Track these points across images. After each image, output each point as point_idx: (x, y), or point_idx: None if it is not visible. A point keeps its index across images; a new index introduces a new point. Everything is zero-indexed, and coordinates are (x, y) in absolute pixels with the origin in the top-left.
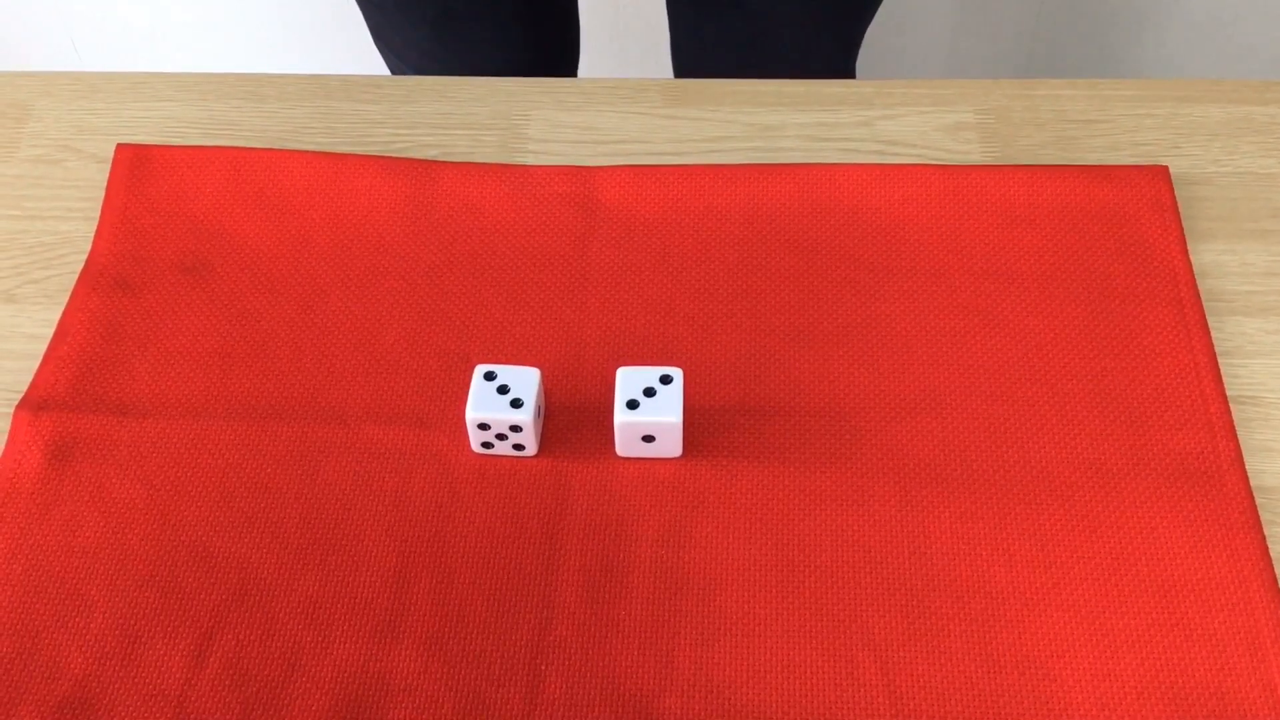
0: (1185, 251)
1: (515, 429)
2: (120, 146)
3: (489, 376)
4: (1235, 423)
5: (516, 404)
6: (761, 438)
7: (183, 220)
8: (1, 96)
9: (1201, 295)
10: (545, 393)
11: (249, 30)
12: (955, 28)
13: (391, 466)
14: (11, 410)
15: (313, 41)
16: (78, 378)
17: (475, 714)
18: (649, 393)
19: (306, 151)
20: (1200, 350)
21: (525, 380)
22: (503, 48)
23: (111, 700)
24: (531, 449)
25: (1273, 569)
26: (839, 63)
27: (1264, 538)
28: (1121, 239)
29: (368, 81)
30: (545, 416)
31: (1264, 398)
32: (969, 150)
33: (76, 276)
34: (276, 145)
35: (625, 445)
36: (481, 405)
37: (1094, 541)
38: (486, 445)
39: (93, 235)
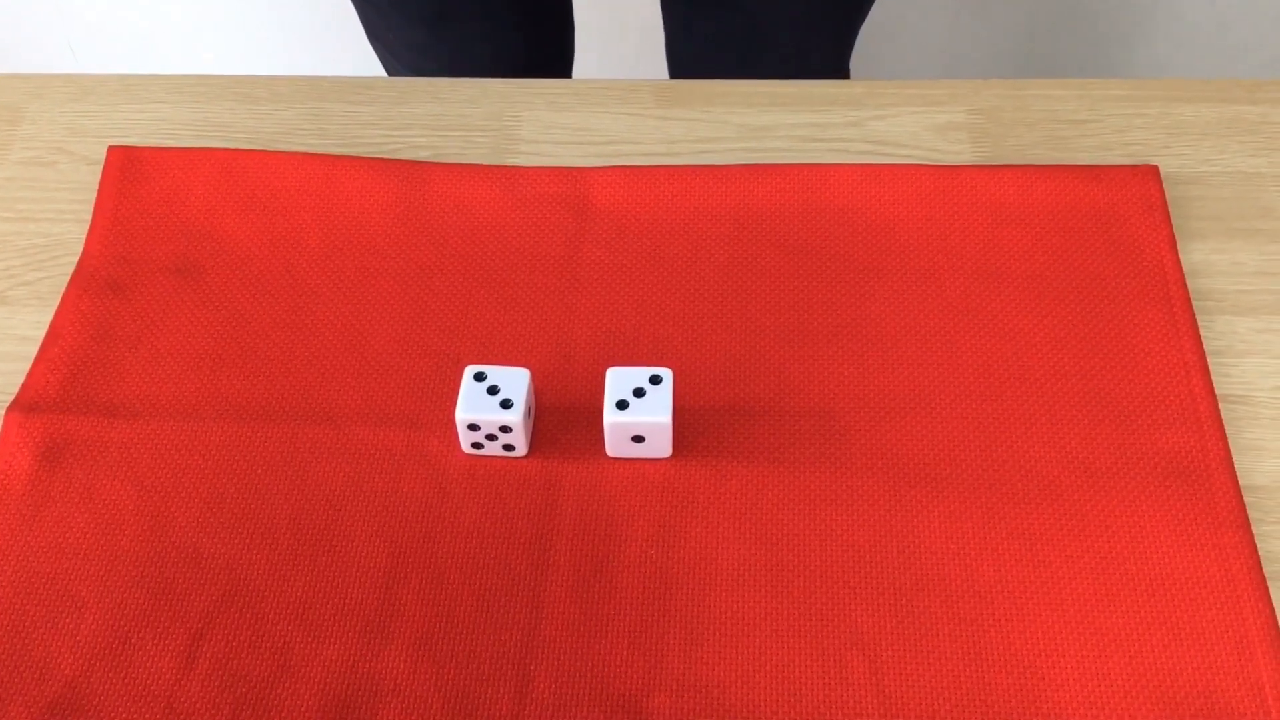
0: (1175, 251)
1: (505, 429)
2: (112, 149)
3: (479, 377)
4: (1225, 421)
5: (506, 404)
6: (751, 438)
7: (174, 222)
8: None
9: (1192, 294)
10: (535, 393)
11: (248, 33)
12: (949, 29)
13: (381, 467)
14: (2, 412)
15: (312, 43)
16: (69, 379)
17: (464, 714)
18: (638, 393)
19: (298, 153)
20: (1189, 349)
21: (515, 381)
22: (498, 46)
23: (101, 701)
24: (522, 449)
25: (1261, 568)
26: (834, 61)
27: (1252, 536)
28: (1111, 238)
29: (360, 83)
30: (535, 417)
31: (1253, 396)
32: (960, 150)
33: (68, 278)
34: (268, 147)
35: (615, 446)
36: (471, 406)
37: (1083, 541)
38: (476, 446)
39: (85, 237)
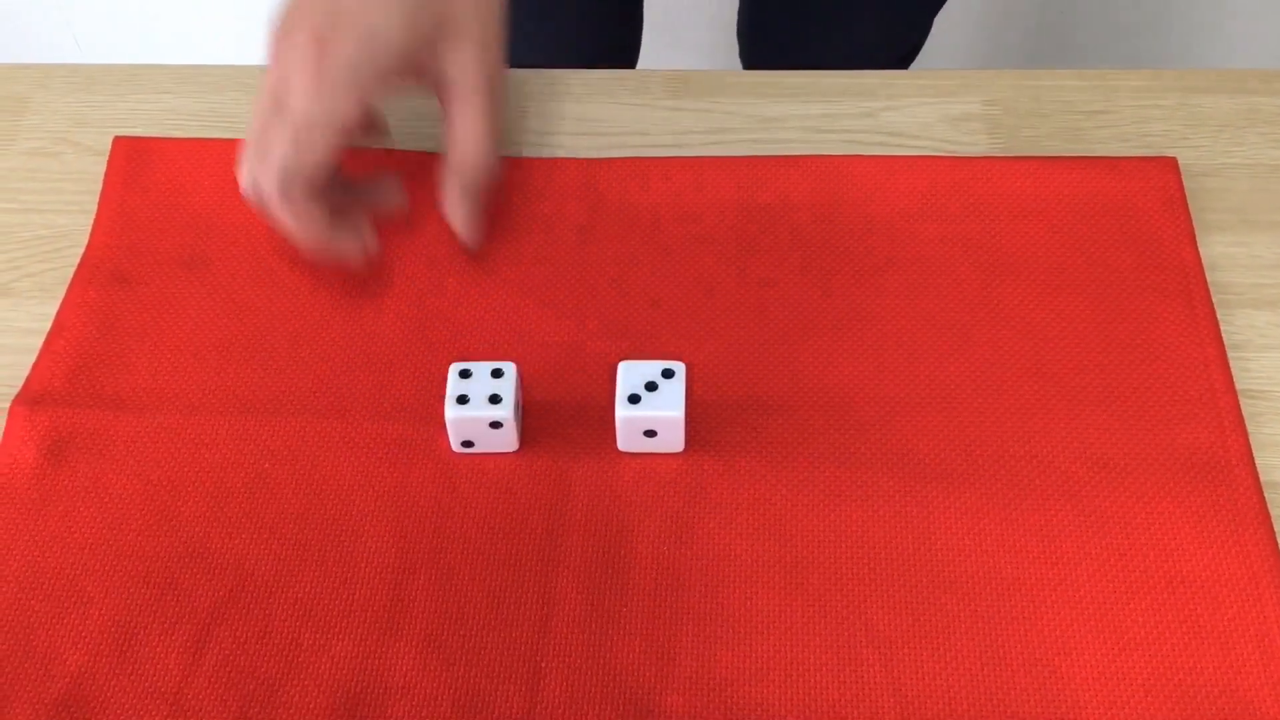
0: (1194, 244)
1: (495, 425)
2: (117, 139)
3: (464, 374)
4: (1245, 417)
5: (495, 400)
6: (765, 432)
7: (180, 213)
8: None
9: (1211, 288)
10: (546, 388)
11: (258, 23)
12: (964, 19)
13: (391, 461)
14: (7, 405)
15: None
16: (74, 372)
17: (475, 711)
18: (651, 387)
19: None
20: (1209, 343)
21: (503, 376)
22: (593, 20)
23: (107, 697)
24: (512, 443)
25: None
26: (920, 17)
27: (1274, 533)
28: (1129, 231)
29: None
30: (546, 411)
31: (1274, 391)
32: (974, 142)
33: (73, 270)
34: None
35: (627, 440)
36: (460, 406)
37: (1101, 537)
38: (467, 444)
39: (90, 229)
